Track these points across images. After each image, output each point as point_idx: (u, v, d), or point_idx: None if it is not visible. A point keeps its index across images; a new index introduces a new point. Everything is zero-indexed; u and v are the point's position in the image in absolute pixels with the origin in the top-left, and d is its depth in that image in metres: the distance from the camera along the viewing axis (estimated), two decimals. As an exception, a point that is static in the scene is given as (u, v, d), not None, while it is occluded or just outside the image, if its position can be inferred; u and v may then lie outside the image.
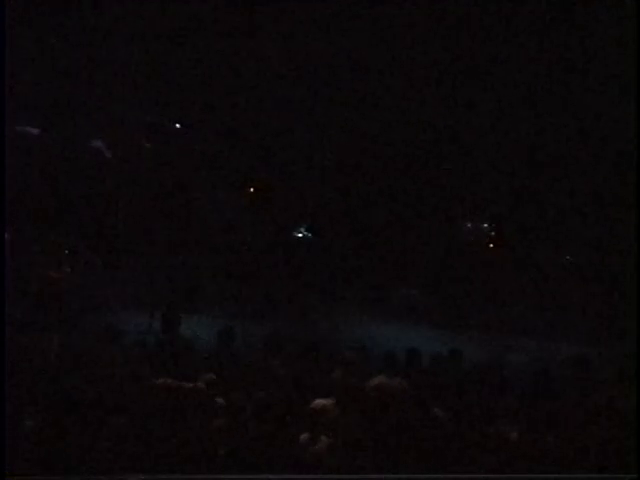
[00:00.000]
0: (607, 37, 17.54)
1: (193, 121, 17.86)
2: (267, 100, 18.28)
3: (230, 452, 8.31)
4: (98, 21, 17.68)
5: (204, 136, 17.88)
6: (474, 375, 10.66)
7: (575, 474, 8.52)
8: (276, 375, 9.96)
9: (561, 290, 16.88)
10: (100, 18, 17.66)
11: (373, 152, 18.60)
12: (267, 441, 8.37)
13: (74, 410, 8.28)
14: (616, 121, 17.78)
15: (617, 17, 17.05)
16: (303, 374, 10.16)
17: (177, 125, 17.61)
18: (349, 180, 18.43)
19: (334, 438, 8.44)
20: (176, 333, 11.23)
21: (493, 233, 17.91)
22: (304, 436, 8.65)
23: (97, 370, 9.59)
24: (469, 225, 18.03)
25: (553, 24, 18.19)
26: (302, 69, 18.47)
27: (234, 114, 18.20)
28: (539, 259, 17.41)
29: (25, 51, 16.62)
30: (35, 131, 16.90)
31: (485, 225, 17.99)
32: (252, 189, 17.95)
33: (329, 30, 18.42)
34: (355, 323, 15.78)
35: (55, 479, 7.58)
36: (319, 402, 9.10)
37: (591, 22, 17.69)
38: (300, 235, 17.52)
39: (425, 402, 9.21)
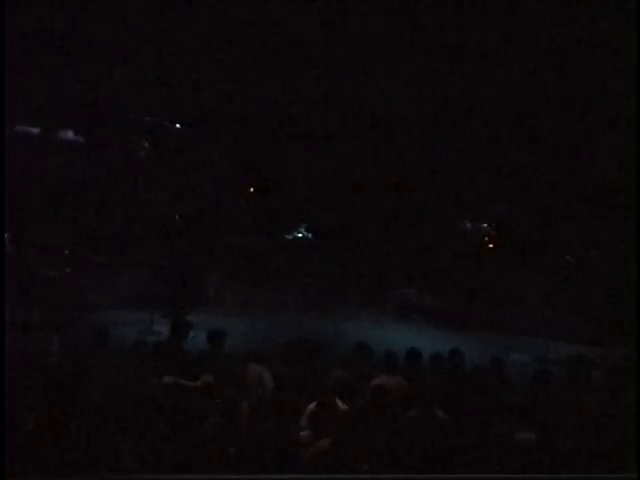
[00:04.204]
0: (608, 34, 17.57)
1: (193, 121, 17.85)
2: (267, 100, 18.29)
3: (230, 452, 8.31)
4: (99, 21, 17.69)
5: (204, 136, 17.88)
6: (474, 375, 10.66)
7: (575, 474, 8.52)
8: (276, 375, 9.95)
9: (561, 290, 16.87)
10: (101, 18, 17.67)
11: (373, 152, 18.61)
12: (267, 441, 8.37)
13: (74, 410, 8.28)
14: (615, 121, 17.80)
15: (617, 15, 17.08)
16: (303, 374, 10.16)
17: (177, 125, 17.60)
18: (349, 180, 18.44)
19: (334, 438, 8.44)
20: (186, 338, 11.22)
21: (493, 233, 17.90)
22: (304, 436, 8.66)
23: (96, 370, 9.60)
24: (469, 225, 18.03)
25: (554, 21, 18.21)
26: (302, 68, 18.48)
27: (234, 114, 18.21)
28: (539, 259, 17.41)
29: (25, 51, 16.63)
30: (35, 131, 16.90)
31: (485, 225, 17.98)
32: (252, 189, 17.96)
33: (330, 32, 18.45)
34: (355, 323, 15.78)
35: (55, 479, 7.58)
36: (319, 402, 9.11)
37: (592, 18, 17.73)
38: (300, 235, 17.53)
39: (425, 402, 9.21)
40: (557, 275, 17.14)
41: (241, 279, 16.66)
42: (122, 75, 17.63)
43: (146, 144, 17.32)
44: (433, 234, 17.86)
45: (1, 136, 12.76)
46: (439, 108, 18.58)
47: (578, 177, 18.11)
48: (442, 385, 10.04)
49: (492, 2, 17.92)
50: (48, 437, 7.95)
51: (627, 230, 16.52)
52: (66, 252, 15.04)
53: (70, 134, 17.19)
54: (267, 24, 18.16)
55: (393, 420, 8.91)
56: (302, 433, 8.71)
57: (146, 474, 7.82)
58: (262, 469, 8.07)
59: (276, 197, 17.96)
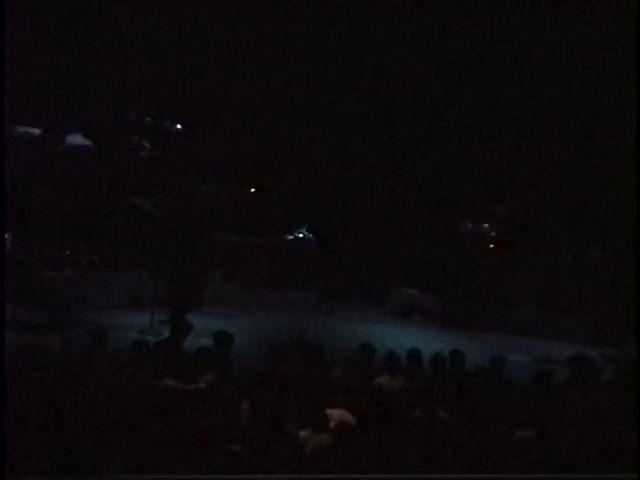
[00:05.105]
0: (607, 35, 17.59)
1: (193, 121, 17.83)
2: (267, 100, 18.29)
3: (230, 452, 8.31)
4: (99, 21, 17.69)
5: (204, 136, 17.86)
6: (475, 375, 10.66)
7: (575, 474, 8.53)
8: (277, 376, 9.95)
9: (562, 290, 16.85)
10: (101, 18, 17.67)
11: (373, 152, 18.61)
12: (267, 441, 8.37)
13: (74, 410, 8.28)
14: (615, 121, 17.80)
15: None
16: (304, 374, 10.16)
17: (177, 125, 17.58)
18: (349, 180, 18.43)
19: (334, 438, 8.45)
20: (185, 339, 11.20)
21: (493, 233, 17.87)
22: (304, 435, 8.66)
23: (97, 370, 9.60)
24: (469, 225, 17.99)
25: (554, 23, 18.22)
26: (302, 69, 18.48)
27: (234, 114, 18.20)
28: (539, 259, 17.39)
29: (25, 51, 16.63)
30: (35, 131, 16.88)
31: (485, 225, 17.95)
32: (252, 189, 17.94)
33: (329, 32, 18.45)
34: (355, 323, 15.78)
35: (55, 479, 7.58)
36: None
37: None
38: (300, 235, 17.50)
39: (426, 402, 9.22)
40: (557, 275, 17.11)
41: (241, 279, 16.64)
42: (123, 75, 17.65)
43: (146, 144, 17.29)
44: (433, 234, 17.83)
45: (1, 136, 12.77)
46: (440, 107, 18.59)
47: (578, 177, 18.11)
48: (443, 385, 10.05)
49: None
50: (48, 437, 7.95)
51: (627, 230, 16.52)
52: (67, 252, 15.03)
53: (70, 134, 17.17)
54: (264, 24, 18.19)
55: (394, 420, 8.91)
56: (302, 433, 8.72)
57: (146, 474, 7.83)
58: (262, 469, 8.07)
59: (276, 197, 17.94)
